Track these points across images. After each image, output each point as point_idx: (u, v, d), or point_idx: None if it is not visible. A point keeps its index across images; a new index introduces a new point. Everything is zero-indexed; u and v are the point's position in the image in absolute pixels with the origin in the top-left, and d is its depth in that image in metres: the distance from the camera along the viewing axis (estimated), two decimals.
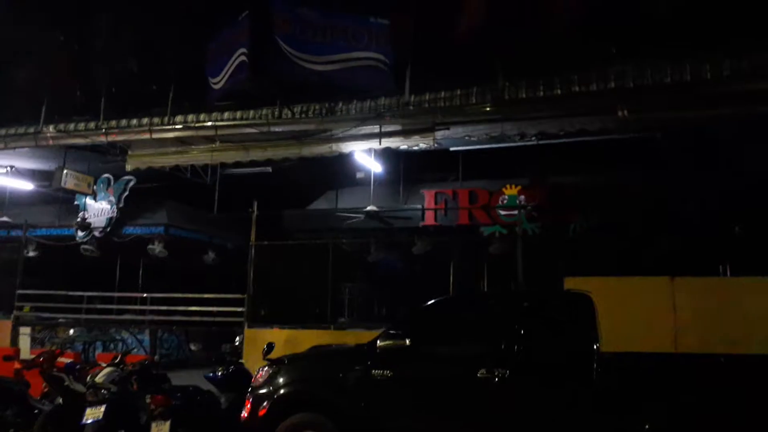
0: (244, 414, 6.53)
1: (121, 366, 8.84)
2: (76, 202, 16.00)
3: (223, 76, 9.28)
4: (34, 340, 12.88)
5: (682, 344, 7.78)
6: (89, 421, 7.01)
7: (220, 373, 8.14)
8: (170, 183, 15.06)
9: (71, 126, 10.47)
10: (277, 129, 9.34)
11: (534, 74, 8.23)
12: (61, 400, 8.74)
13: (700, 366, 5.67)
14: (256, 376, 6.72)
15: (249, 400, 6.60)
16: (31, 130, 10.68)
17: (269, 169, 14.21)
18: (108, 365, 8.80)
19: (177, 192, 15.86)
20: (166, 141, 10.11)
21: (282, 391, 6.34)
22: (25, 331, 12.54)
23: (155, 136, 9.87)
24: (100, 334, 14.92)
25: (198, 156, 9.99)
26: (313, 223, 14.33)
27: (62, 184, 11.67)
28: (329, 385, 6.22)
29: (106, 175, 15.37)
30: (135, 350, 12.96)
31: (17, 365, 11.40)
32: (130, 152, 10.39)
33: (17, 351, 11.81)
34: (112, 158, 13.03)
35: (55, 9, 10.47)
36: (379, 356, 6.02)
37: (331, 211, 13.21)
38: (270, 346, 6.88)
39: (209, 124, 9.55)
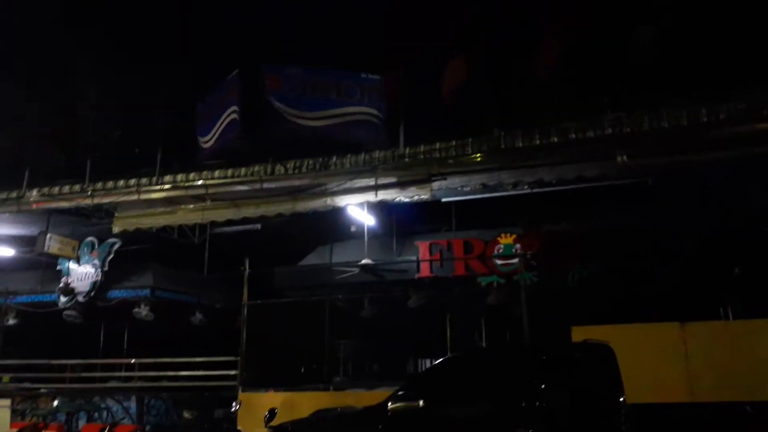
0: None
1: None
2: (58, 267, 15.53)
3: (213, 135, 9.17)
4: (14, 412, 12.23)
5: (697, 392, 7.56)
6: None
7: None
8: (156, 244, 14.74)
9: (56, 189, 10.22)
10: (270, 186, 9.17)
11: (528, 124, 8.21)
12: None
13: (728, 416, 5.43)
14: None
15: None
16: (14, 194, 10.39)
17: (258, 226, 13.96)
18: None
19: (162, 253, 15.49)
20: (155, 201, 9.89)
21: None
22: (4, 403, 11.91)
23: (143, 197, 9.65)
24: (84, 403, 14.24)
25: (188, 215, 9.75)
26: (305, 279, 14.03)
27: (45, 249, 11.31)
28: None
29: (90, 238, 14.98)
30: (124, 419, 12.37)
31: None
32: (117, 214, 10.12)
33: None
34: (96, 221, 12.74)
35: (37, 74, 10.35)
36: (391, 420, 5.73)
37: (325, 266, 12.95)
38: (272, 413, 6.54)
39: (200, 183, 9.36)
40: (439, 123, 8.58)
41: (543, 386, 5.45)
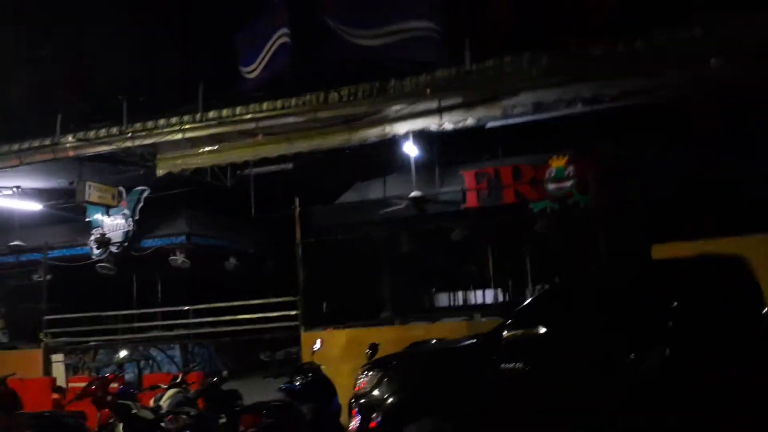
0: (353, 427, 5.85)
1: (183, 386, 8.10)
2: (88, 219, 15.10)
3: (259, 63, 8.53)
4: (67, 367, 12.07)
5: None
6: None
7: (298, 383, 7.37)
8: (187, 190, 14.29)
9: (91, 134, 9.62)
10: (323, 115, 8.59)
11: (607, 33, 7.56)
12: (120, 430, 8.01)
13: None
14: (359, 382, 6.03)
15: (354, 410, 5.91)
16: (47, 141, 9.80)
17: (290, 165, 13.48)
18: (169, 387, 8.05)
19: (191, 199, 15.03)
20: (199, 140, 9.31)
21: (396, 398, 5.66)
22: (57, 358, 11.73)
23: (188, 135, 9.08)
24: (136, 354, 14.09)
25: (238, 153, 9.21)
26: (345, 217, 13.55)
27: (86, 197, 10.82)
28: (451, 387, 5.55)
29: (117, 188, 14.46)
30: (195, 366, 12.14)
31: (55, 396, 10.63)
32: (159, 156, 9.56)
33: (53, 380, 11.01)
34: (125, 168, 12.21)
35: (64, 13, 9.61)
36: (506, 349, 5.37)
37: (373, 201, 12.45)
38: (374, 348, 6.18)
39: (249, 116, 8.76)
40: (504, 36, 7.90)
41: (677, 304, 5.05)
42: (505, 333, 5.37)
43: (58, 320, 12.11)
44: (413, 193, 11.57)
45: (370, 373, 5.90)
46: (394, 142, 11.11)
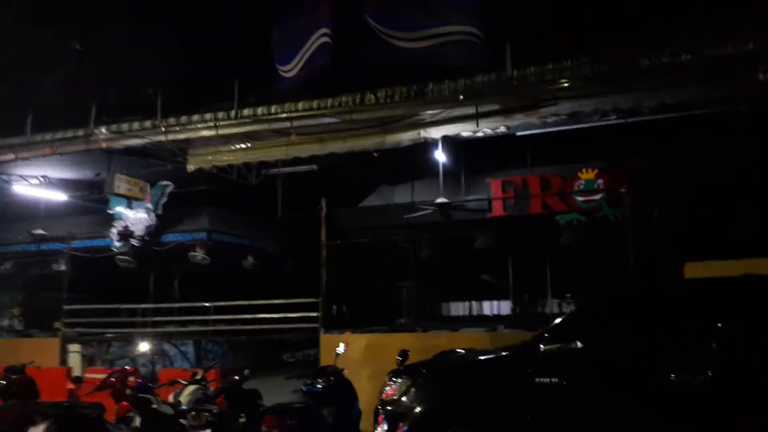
0: None
1: (203, 383, 8.04)
2: (110, 211, 15.14)
3: (298, 62, 8.49)
4: (83, 357, 12.05)
5: None
6: None
7: (320, 386, 7.29)
8: (210, 187, 14.30)
9: (124, 126, 9.62)
10: (359, 117, 8.53)
11: (649, 41, 7.46)
12: (138, 423, 7.96)
13: None
14: (387, 389, 5.91)
15: (381, 417, 5.79)
16: (80, 132, 9.81)
17: (315, 166, 13.47)
18: (189, 383, 7.99)
19: (214, 196, 15.04)
20: (232, 137, 9.29)
21: (426, 407, 5.54)
22: (74, 348, 11.72)
23: (222, 132, 9.05)
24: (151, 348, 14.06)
25: (270, 151, 9.17)
26: (369, 220, 13.51)
27: (115, 189, 10.82)
28: (483, 399, 5.42)
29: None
30: (215, 364, 12.08)
31: (71, 386, 10.60)
32: (191, 151, 9.54)
33: (69, 370, 11.00)
34: (153, 162, 12.23)
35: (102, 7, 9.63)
36: (542, 362, 5.24)
37: (401, 205, 12.41)
38: (404, 354, 6.08)
39: (284, 115, 8.72)
40: (546, 43, 7.82)
41: (721, 324, 4.91)
42: (542, 346, 5.25)
43: (76, 311, 12.10)
44: (439, 200, 11.51)
45: (399, 380, 5.78)
46: (421, 147, 11.09)
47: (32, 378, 8.77)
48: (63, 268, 16.02)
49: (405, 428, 5.54)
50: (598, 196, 11.87)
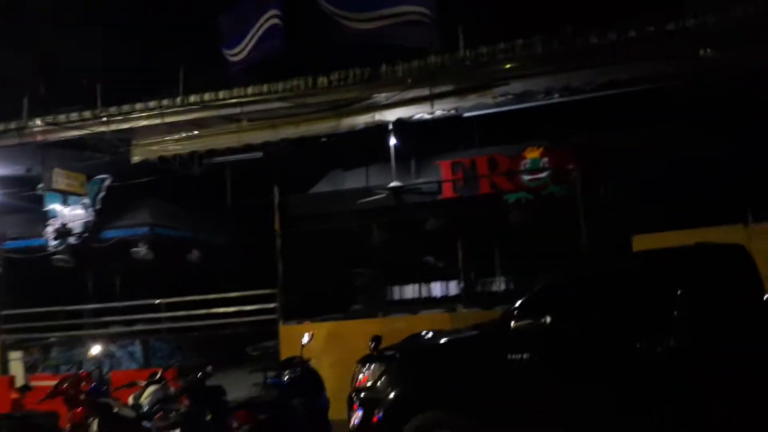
0: (355, 422, 5.70)
1: (162, 382, 7.78)
2: (44, 209, 14.37)
3: (246, 45, 8.25)
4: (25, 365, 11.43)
5: None
6: None
7: (287, 377, 7.17)
8: (151, 179, 13.78)
9: (61, 117, 9.10)
10: (311, 100, 8.37)
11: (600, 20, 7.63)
12: (95, 429, 7.63)
13: None
14: (360, 376, 5.88)
15: (356, 404, 5.77)
16: (13, 125, 9.22)
17: (260, 154, 13.18)
18: (148, 383, 7.72)
19: (156, 188, 14.49)
20: (178, 125, 8.94)
21: (400, 391, 5.54)
22: (15, 356, 11.11)
23: (167, 120, 8.69)
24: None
25: (220, 138, 8.88)
26: (319, 207, 13.31)
27: (53, 185, 10.24)
28: (458, 378, 5.46)
29: None
30: (174, 362, 11.68)
31: (15, 395, 10.06)
32: (135, 141, 9.12)
33: (12, 379, 10.43)
34: (91, 155, 11.66)
35: None
36: (513, 339, 5.33)
37: (354, 190, 12.30)
38: (377, 339, 6.04)
39: (233, 101, 8.45)
40: (499, 20, 7.87)
41: (680, 292, 5.10)
42: (512, 324, 5.33)
43: (13, 316, 11.45)
44: (393, 183, 11.46)
45: (372, 366, 5.76)
46: (370, 131, 11.02)
47: None
48: None
49: (380, 414, 5.52)
50: (543, 174, 12.10)
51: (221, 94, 8.56)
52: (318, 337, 9.46)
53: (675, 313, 5.09)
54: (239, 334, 11.35)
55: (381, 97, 8.28)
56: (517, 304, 5.42)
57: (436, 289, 16.36)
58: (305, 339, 7.41)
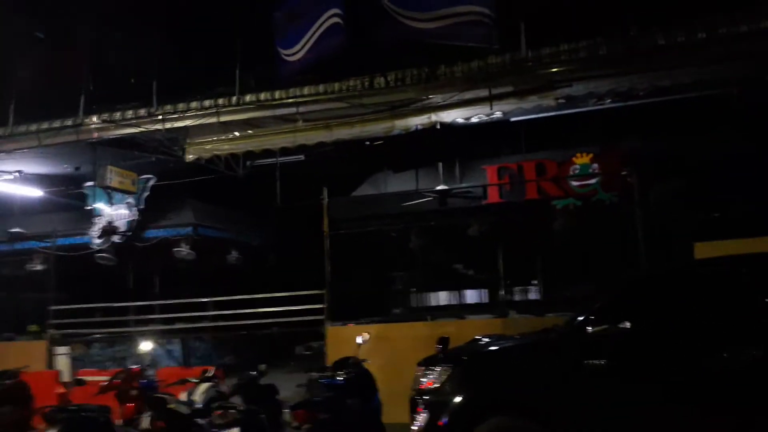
0: (418, 425, 5.58)
1: (215, 380, 7.76)
2: (88, 207, 14.54)
3: (304, 45, 8.21)
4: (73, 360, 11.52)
5: None
6: None
7: (342, 378, 7.07)
8: (193, 180, 13.86)
9: (117, 115, 9.16)
10: (368, 101, 8.30)
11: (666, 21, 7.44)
12: (147, 425, 7.62)
13: None
14: (426, 379, 5.76)
15: (420, 407, 5.64)
16: (69, 122, 9.31)
17: (302, 156, 13.20)
18: (201, 381, 7.71)
19: (197, 189, 14.57)
20: (233, 125, 8.94)
21: (470, 394, 5.41)
22: (62, 350, 11.21)
23: (223, 119, 8.69)
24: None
25: (275, 139, 8.84)
26: (362, 209, 13.25)
27: (107, 182, 10.32)
28: (530, 383, 5.32)
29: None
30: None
31: (62, 389, 10.16)
32: (188, 140, 9.15)
33: (58, 373, 10.53)
34: (138, 154, 11.75)
35: None
36: (591, 344, 5.18)
37: (392, 195, 12.22)
38: (445, 341, 5.92)
39: (290, 100, 8.42)
40: (559, 23, 7.73)
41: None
42: (589, 328, 5.18)
43: (60, 311, 11.55)
44: (440, 186, 11.36)
45: (438, 369, 5.64)
46: (415, 135, 10.96)
47: (26, 383, 8.35)
48: (38, 267, 15.42)
49: (446, 418, 5.41)
50: (593, 181, 11.90)
51: (277, 94, 8.55)
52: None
53: (764, 321, 4.91)
54: (277, 335, 11.33)
55: (438, 97, 8.17)
56: (593, 308, 5.28)
57: (470, 296, 16.10)
58: (360, 339, 7.34)
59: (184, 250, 14.41)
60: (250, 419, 6.32)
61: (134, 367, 8.44)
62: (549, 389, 5.20)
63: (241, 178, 13.59)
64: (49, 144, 9.48)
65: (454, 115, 8.27)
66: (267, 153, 10.43)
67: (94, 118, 9.17)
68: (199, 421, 6.99)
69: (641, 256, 8.98)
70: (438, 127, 8.35)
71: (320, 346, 10.38)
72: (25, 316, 15.47)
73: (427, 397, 5.57)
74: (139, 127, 8.95)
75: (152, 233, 14.55)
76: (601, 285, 11.92)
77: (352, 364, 7.17)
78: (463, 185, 12.41)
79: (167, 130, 8.95)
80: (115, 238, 14.21)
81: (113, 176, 10.22)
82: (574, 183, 12.02)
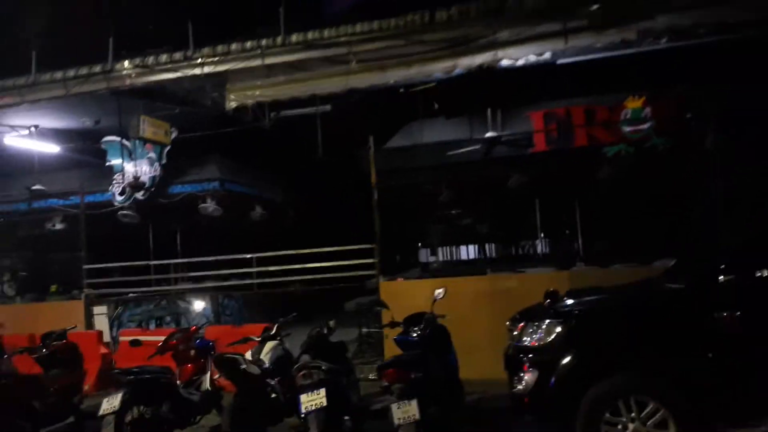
0: (524, 385, 5.15)
1: (279, 338, 7.32)
2: (109, 163, 13.91)
3: None
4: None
5: None
6: (312, 409, 5.52)
7: (415, 335, 6.64)
8: (218, 132, 13.20)
9: (151, 60, 8.45)
10: (429, 38, 7.61)
11: None
12: (207, 386, 7.22)
13: None
14: (526, 336, 5.30)
15: (526, 365, 5.21)
16: (98, 69, 8.59)
17: (328, 107, 12.56)
18: (263, 339, 7.26)
19: (218, 143, 13.91)
20: (275, 68, 8.25)
21: (587, 352, 4.96)
22: (100, 310, 10.76)
23: (269, 61, 8.00)
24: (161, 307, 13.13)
25: (324, 82, 8.15)
26: (397, 161, 12.65)
27: (141, 133, 9.68)
28: (653, 338, 4.89)
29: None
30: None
31: (104, 350, 9.78)
32: (229, 86, 8.47)
33: (100, 333, 10.12)
34: (161, 105, 11.06)
35: None
36: (722, 295, 4.75)
37: (429, 145, 11.60)
38: (553, 294, 5.43)
39: (342, 39, 7.73)
40: None
41: None
42: (721, 278, 4.73)
43: (94, 270, 11.04)
44: (489, 134, 10.72)
45: (545, 324, 5.18)
46: (450, 80, 10.32)
47: (76, 344, 7.92)
48: (58, 226, 14.91)
49: (555, 378, 4.98)
50: (646, 125, 11.30)
51: (326, 33, 7.83)
52: (422, 295, 8.91)
53: None
54: (324, 291, 10.89)
55: (506, 33, 7.48)
56: (725, 257, 4.81)
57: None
58: (438, 294, 6.85)
59: (210, 206, 13.88)
60: (336, 379, 5.91)
61: (191, 326, 7.96)
62: (673, 344, 4.79)
63: (268, 131, 12.99)
64: (77, 92, 8.77)
65: (524, 52, 7.58)
66: (307, 102, 9.78)
67: (126, 63, 8.46)
68: (271, 381, 6.59)
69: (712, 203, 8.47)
70: (503, 65, 7.63)
71: (370, 302, 9.96)
72: (50, 276, 15.04)
73: (534, 355, 5.14)
74: (176, 72, 8.24)
75: (177, 189, 14.01)
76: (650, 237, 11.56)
77: (428, 320, 6.71)
78: (508, 133, 11.74)
79: (206, 75, 8.23)
80: (138, 195, 13.64)
81: (146, 126, 9.57)
82: (627, 128, 11.41)
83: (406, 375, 5.53)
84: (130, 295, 11.23)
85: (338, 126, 12.20)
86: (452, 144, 11.92)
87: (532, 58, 8.06)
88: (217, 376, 6.83)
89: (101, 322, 10.53)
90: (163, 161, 13.59)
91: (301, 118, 13.06)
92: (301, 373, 5.74)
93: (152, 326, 12.03)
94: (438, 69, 7.88)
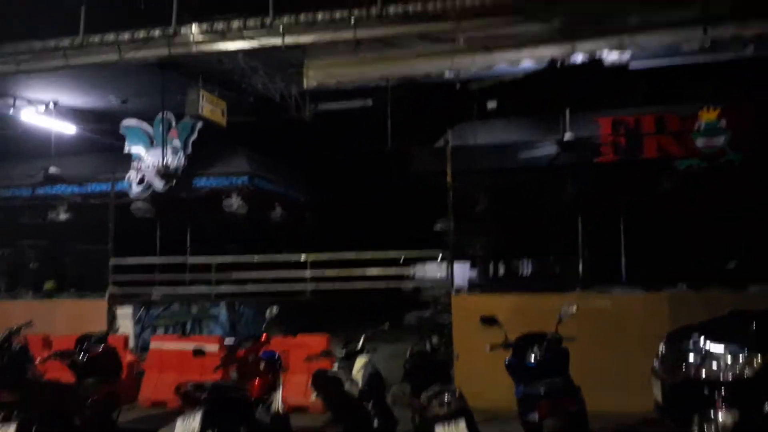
0: (719, 426, 4.29)
1: (366, 352, 6.31)
2: (127, 150, 12.77)
3: None
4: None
5: None
6: None
7: (533, 358, 5.55)
8: (246, 123, 12.22)
9: (219, 26, 7.44)
10: (546, 15, 6.78)
11: None
12: (278, 407, 6.20)
13: None
14: (715, 364, 4.44)
15: (719, 401, 4.35)
16: (157, 33, 7.53)
17: (369, 101, 11.75)
18: (348, 354, 6.23)
19: (243, 135, 12.89)
20: (365, 44, 7.32)
21: None
22: (124, 311, 9.56)
23: (360, 35, 7.05)
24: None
25: (421, 63, 7.22)
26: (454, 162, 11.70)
27: (200, 110, 8.60)
28: None
29: (165, 114, 12.01)
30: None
31: (131, 357, 8.60)
32: (307, 62, 7.49)
33: (126, 339, 8.92)
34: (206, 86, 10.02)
35: None
36: None
37: (493, 146, 10.77)
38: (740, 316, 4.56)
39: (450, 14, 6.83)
40: None
41: None
42: None
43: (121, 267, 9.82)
44: (567, 136, 9.90)
45: (744, 355, 4.32)
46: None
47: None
48: (63, 216, 13.68)
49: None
50: (721, 139, 10.64)
51: (430, 6, 6.93)
52: (497, 311, 7.91)
53: None
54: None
55: (634, 17, 6.68)
56: None
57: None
58: (570, 310, 5.73)
59: (234, 203, 12.79)
60: (467, 407, 4.93)
61: (262, 335, 6.86)
62: None
63: (303, 124, 12.10)
64: (132, 59, 7.67)
65: (658, 40, 6.78)
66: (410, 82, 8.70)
67: (194, 27, 7.42)
68: (367, 405, 5.59)
69: None
70: (629, 53, 6.82)
71: (432, 315, 9.00)
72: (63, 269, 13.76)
73: (730, 391, 4.27)
74: (253, 40, 7.24)
75: (201, 182, 12.85)
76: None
77: (550, 341, 5.60)
78: (580, 137, 10.88)
79: (287, 47, 7.23)
80: (158, 187, 12.48)
81: (205, 103, 8.50)
82: (700, 141, 10.74)
83: (564, 408, 4.61)
84: (161, 295, 9.97)
85: (378, 122, 11.38)
86: (511, 147, 11.09)
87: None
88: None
89: (126, 325, 9.32)
90: (189, 151, 12.48)
91: (338, 113, 12.29)
92: (434, 400, 4.76)
93: (175, 331, 10.88)
94: (552, 53, 7.04)
